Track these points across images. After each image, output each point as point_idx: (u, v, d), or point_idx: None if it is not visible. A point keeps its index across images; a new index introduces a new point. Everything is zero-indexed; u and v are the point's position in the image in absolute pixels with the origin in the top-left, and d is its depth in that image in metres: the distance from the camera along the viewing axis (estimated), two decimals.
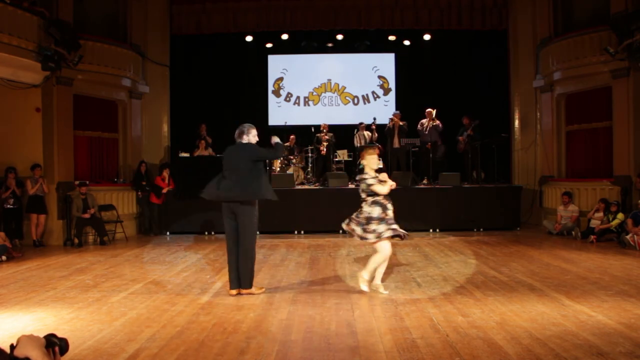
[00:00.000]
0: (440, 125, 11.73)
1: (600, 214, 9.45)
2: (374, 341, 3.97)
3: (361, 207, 5.36)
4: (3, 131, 9.75)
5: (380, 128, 12.24)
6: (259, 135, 5.68)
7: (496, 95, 13.14)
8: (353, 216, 5.45)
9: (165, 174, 11.01)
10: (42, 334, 1.66)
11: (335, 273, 6.64)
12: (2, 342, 4.05)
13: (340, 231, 5.38)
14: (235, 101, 14.01)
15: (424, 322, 4.43)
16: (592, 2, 10.75)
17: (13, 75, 9.35)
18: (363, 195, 5.35)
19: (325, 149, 12.33)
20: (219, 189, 5.27)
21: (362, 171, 5.42)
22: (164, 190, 10.88)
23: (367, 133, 12.40)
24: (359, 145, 12.32)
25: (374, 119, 12.28)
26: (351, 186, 11.20)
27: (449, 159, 12.65)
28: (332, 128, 12.68)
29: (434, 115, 11.75)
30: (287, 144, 12.50)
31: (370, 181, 5.29)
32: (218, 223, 10.79)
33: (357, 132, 12.61)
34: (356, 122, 12.89)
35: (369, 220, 5.27)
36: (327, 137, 12.39)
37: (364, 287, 5.43)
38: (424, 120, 11.89)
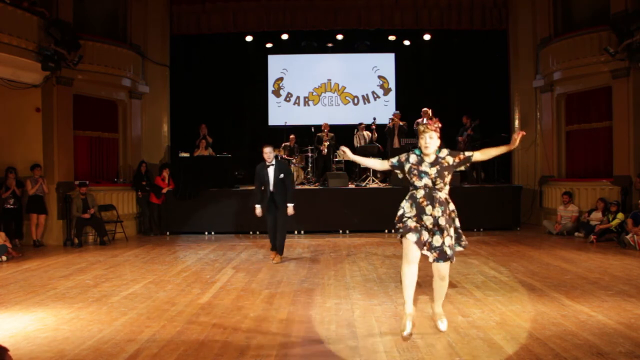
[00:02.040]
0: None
1: (599, 215, 9.46)
2: (373, 341, 3.97)
3: (440, 199, 3.91)
4: (3, 131, 9.75)
5: (380, 128, 12.24)
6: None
7: (496, 95, 13.14)
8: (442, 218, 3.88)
9: (165, 174, 11.01)
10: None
11: (335, 273, 6.63)
12: (2, 342, 4.05)
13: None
14: (235, 101, 14.02)
15: (424, 322, 4.43)
16: (592, 2, 10.75)
17: (13, 75, 9.35)
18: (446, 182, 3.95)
19: (326, 149, 12.33)
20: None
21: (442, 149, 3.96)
22: (164, 190, 10.88)
23: (367, 133, 12.41)
24: (358, 145, 12.32)
25: (374, 119, 12.29)
26: (351, 186, 11.22)
27: None
28: (332, 128, 12.68)
29: (430, 115, 11.75)
30: (287, 144, 12.49)
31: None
32: (218, 223, 10.86)
33: (357, 132, 12.62)
34: (356, 122, 12.90)
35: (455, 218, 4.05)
36: (328, 136, 12.39)
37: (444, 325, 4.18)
38: (420, 120, 11.88)
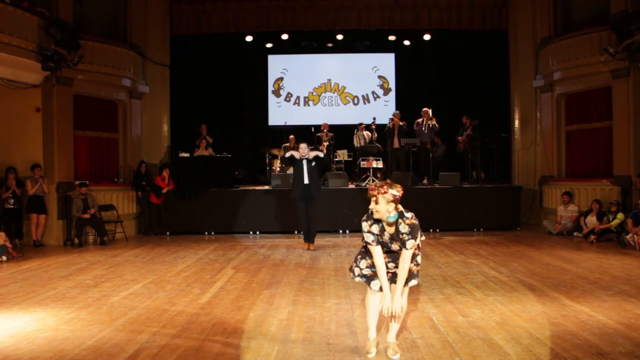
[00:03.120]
0: (437, 125, 11.74)
1: (594, 219, 9.45)
2: None
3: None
4: (3, 131, 9.75)
5: (380, 128, 12.24)
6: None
7: (496, 95, 13.14)
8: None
9: (165, 174, 11.00)
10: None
11: (335, 273, 6.63)
12: (2, 342, 4.06)
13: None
14: (235, 101, 14.03)
15: (424, 322, 4.43)
16: (592, 2, 10.76)
17: (13, 75, 9.35)
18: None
19: (325, 149, 12.33)
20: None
21: (403, 215, 3.46)
22: (164, 190, 10.88)
23: (367, 133, 12.41)
24: (358, 145, 12.32)
25: (374, 119, 12.30)
26: (351, 186, 11.22)
27: (449, 159, 12.66)
28: (332, 128, 12.69)
29: (430, 115, 11.76)
30: (287, 144, 12.49)
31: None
32: (218, 223, 10.86)
33: (357, 132, 12.62)
34: (356, 122, 12.90)
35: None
36: (327, 137, 12.39)
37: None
38: (419, 120, 11.89)
